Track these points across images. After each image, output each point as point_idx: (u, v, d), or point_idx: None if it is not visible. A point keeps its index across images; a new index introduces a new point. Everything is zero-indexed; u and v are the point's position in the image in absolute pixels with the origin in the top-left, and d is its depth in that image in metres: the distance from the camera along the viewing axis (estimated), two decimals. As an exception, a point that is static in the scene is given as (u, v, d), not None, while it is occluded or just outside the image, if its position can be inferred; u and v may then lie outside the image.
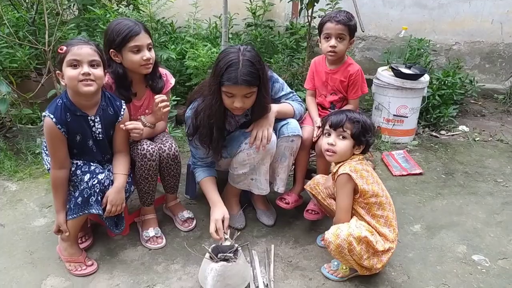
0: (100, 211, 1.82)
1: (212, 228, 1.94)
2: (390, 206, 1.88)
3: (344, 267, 1.90)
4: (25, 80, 3.03)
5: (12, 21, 3.00)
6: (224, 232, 1.94)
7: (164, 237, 2.14)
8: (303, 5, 2.97)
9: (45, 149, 1.98)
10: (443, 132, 3.51)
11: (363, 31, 3.86)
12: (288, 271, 1.97)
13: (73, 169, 1.88)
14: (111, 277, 1.91)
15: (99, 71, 1.77)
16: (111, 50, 1.95)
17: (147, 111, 2.14)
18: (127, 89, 2.04)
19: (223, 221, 1.95)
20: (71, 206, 1.84)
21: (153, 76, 2.08)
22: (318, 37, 2.31)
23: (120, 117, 1.93)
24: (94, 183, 1.81)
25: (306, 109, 2.38)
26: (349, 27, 2.19)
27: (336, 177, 1.85)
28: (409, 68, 3.15)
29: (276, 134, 2.06)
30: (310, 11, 2.96)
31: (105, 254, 2.05)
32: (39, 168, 2.72)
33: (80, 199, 1.81)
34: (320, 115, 2.32)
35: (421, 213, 2.45)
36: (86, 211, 1.81)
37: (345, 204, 1.82)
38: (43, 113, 1.81)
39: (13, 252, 2.04)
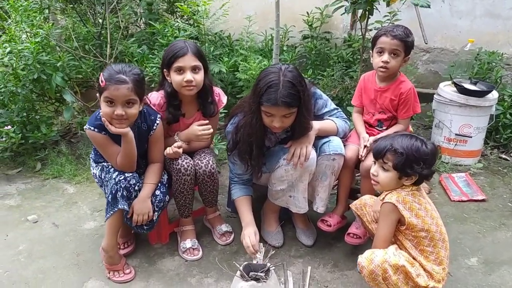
0: (125, 207, 1.87)
1: (246, 242, 1.92)
2: (444, 243, 1.71)
3: (383, 299, 1.76)
4: (90, 89, 3.27)
5: (81, 35, 3.24)
6: (259, 251, 1.90)
7: (200, 249, 2.16)
8: (355, 17, 2.86)
9: (92, 155, 2.09)
10: (514, 154, 3.17)
11: (426, 43, 3.64)
12: (323, 297, 1.89)
13: (108, 168, 1.95)
14: (146, 285, 1.96)
15: (133, 110, 1.82)
16: (164, 69, 2.04)
17: None
18: (175, 109, 2.09)
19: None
20: (106, 207, 1.91)
21: (205, 102, 2.13)
22: (371, 51, 2.20)
23: (152, 131, 1.98)
24: (120, 178, 1.87)
25: (352, 128, 2.27)
26: (406, 44, 2.06)
27: (381, 204, 1.73)
28: (475, 84, 2.89)
29: (317, 152, 1.99)
30: (364, 23, 2.84)
31: (144, 261, 2.11)
32: (96, 173, 2.89)
33: (110, 196, 1.88)
34: (366, 133, 2.19)
35: (480, 244, 2.22)
36: (116, 208, 1.87)
37: (384, 234, 1.69)
38: (84, 127, 1.91)
39: (63, 252, 2.17)
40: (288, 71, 1.79)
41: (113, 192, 1.87)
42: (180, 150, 2.02)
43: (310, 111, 1.94)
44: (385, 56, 2.07)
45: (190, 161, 2.06)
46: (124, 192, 1.88)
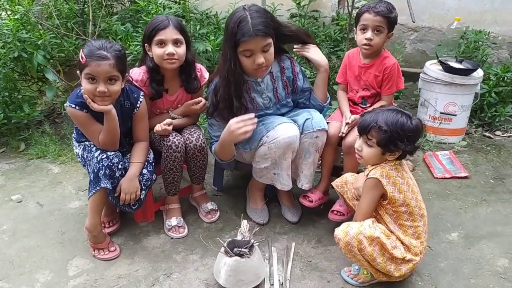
0: (108, 185, 1.85)
1: (237, 124, 1.85)
2: (422, 218, 1.74)
3: (365, 272, 1.80)
4: (73, 68, 3.19)
5: (63, 12, 3.16)
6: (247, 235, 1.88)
7: (186, 227, 2.17)
8: (342, -6, 2.83)
9: (74, 135, 2.06)
10: (498, 132, 3.20)
11: (413, 22, 3.61)
12: (306, 271, 1.91)
13: (90, 147, 1.94)
14: (132, 262, 1.97)
15: (115, 87, 1.80)
16: (145, 44, 2.03)
17: (179, 105, 2.19)
18: (158, 84, 2.08)
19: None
20: (89, 185, 1.90)
21: (188, 77, 2.13)
22: (354, 28, 2.19)
23: (135, 109, 1.96)
24: (102, 157, 1.86)
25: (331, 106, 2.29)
26: (388, 19, 2.04)
27: (365, 179, 1.74)
28: (460, 62, 2.90)
29: (300, 129, 1.99)
30: (350, 0, 2.81)
31: (129, 239, 2.12)
32: (81, 153, 2.87)
33: (92, 175, 1.86)
34: (350, 111, 2.20)
35: (461, 220, 2.26)
36: (98, 187, 1.85)
37: (365, 208, 1.72)
38: (65, 105, 1.88)
39: (47, 231, 2.17)
40: (252, 6, 1.85)
41: (96, 170, 1.86)
42: (170, 128, 2.02)
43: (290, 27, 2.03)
44: (368, 33, 2.06)
45: (181, 138, 2.06)
46: (107, 171, 1.86)
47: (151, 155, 2.09)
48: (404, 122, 1.64)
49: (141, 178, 1.97)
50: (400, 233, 1.71)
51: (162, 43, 1.96)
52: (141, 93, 2.00)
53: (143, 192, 1.99)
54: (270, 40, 1.86)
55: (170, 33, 1.95)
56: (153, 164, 2.07)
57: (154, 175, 2.06)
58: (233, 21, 1.82)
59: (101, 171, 1.85)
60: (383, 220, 1.74)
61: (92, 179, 1.87)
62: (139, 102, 1.97)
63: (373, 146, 1.68)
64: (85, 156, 1.96)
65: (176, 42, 1.98)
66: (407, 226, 1.71)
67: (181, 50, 2.00)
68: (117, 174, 1.91)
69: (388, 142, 1.64)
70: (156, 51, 1.97)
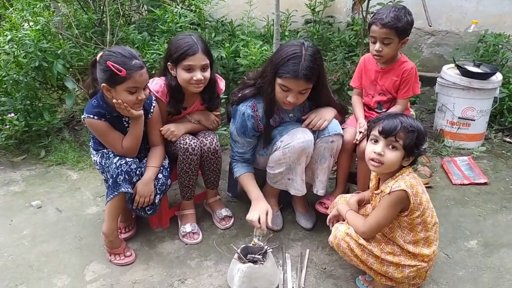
0: (129, 189, 1.88)
1: (255, 217, 1.91)
2: (434, 226, 1.69)
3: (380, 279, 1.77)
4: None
5: (82, 22, 3.25)
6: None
7: (200, 233, 2.18)
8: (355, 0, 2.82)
9: (91, 144, 2.10)
10: (519, 138, 3.13)
11: (430, 26, 3.58)
12: (321, 279, 1.90)
13: (109, 154, 1.96)
14: (147, 267, 1.99)
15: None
16: (169, 63, 2.02)
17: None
18: (178, 102, 2.09)
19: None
20: (107, 191, 1.93)
21: (211, 97, 2.15)
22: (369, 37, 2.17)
23: (149, 115, 1.99)
24: (121, 163, 1.89)
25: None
26: (396, 30, 1.99)
27: (388, 192, 1.61)
28: (478, 66, 2.85)
29: (314, 134, 1.99)
30: (364, 5, 2.80)
31: (145, 245, 2.14)
32: (99, 160, 2.92)
33: (111, 180, 1.89)
34: (365, 116, 2.18)
35: (480, 227, 2.21)
36: (116, 192, 1.88)
37: (384, 224, 1.66)
38: (82, 116, 1.92)
39: (65, 236, 2.21)
40: (310, 47, 1.82)
41: (114, 176, 1.89)
42: (171, 128, 2.05)
43: (327, 86, 2.01)
44: (377, 45, 2.05)
45: (197, 141, 2.07)
46: (126, 176, 1.89)
47: (167, 161, 2.11)
48: (419, 124, 1.62)
49: (156, 183, 2.00)
50: (410, 246, 1.67)
51: (190, 69, 1.96)
52: (153, 98, 2.03)
53: (158, 196, 2.01)
54: (311, 86, 1.86)
55: (199, 59, 1.95)
56: (169, 169, 2.10)
57: (169, 180, 2.09)
58: (287, 52, 1.80)
59: (120, 177, 1.88)
60: (393, 233, 1.70)
61: (110, 184, 1.90)
62: (152, 107, 2.00)
63: (399, 149, 1.59)
64: (103, 163, 1.99)
65: (204, 68, 1.98)
66: (420, 237, 1.66)
67: (208, 74, 2.01)
68: (134, 180, 1.94)
69: (414, 144, 1.59)
70: (182, 75, 1.97)
